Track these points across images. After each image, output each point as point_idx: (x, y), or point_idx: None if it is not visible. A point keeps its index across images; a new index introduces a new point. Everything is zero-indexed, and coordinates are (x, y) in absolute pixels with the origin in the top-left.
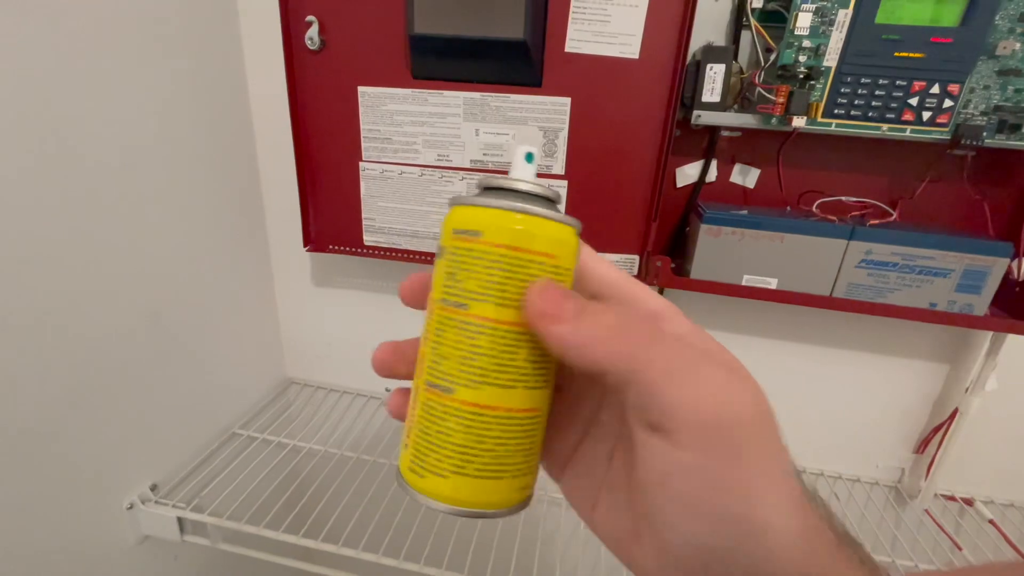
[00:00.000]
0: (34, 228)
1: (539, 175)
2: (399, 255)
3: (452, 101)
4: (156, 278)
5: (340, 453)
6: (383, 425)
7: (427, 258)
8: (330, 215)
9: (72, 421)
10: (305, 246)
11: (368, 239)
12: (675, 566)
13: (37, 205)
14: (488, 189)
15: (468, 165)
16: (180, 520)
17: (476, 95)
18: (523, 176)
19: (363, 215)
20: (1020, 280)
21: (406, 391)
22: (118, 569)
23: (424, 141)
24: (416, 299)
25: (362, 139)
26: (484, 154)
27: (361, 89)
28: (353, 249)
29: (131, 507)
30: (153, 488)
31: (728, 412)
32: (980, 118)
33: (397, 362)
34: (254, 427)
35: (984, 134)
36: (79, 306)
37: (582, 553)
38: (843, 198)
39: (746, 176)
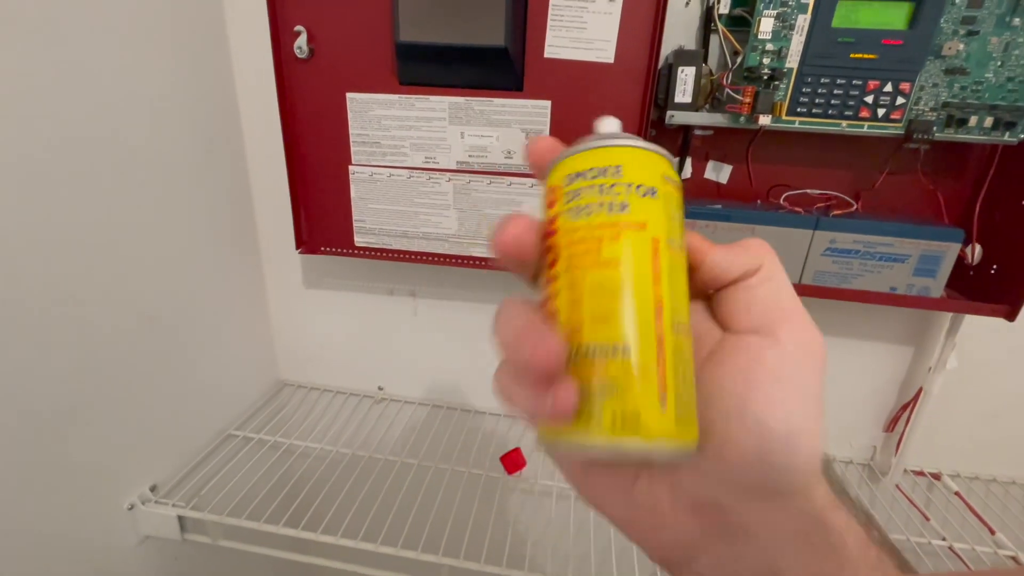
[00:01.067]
0: (29, 233)
1: (524, 176)
2: (390, 255)
3: (437, 106)
4: (152, 284)
5: (335, 450)
6: (377, 422)
7: (417, 257)
8: (321, 217)
9: (72, 424)
10: (297, 248)
11: (359, 240)
12: (705, 487)
13: (31, 212)
14: (626, 139)
15: (454, 167)
16: (180, 519)
17: (460, 99)
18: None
19: (354, 217)
20: (974, 264)
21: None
22: (119, 570)
23: (411, 144)
24: (543, 159)
25: (351, 144)
26: (469, 156)
27: (349, 95)
28: (344, 250)
29: (131, 508)
30: (153, 489)
31: (820, 341)
32: (930, 114)
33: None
34: (249, 428)
35: (934, 128)
36: (77, 311)
37: (573, 542)
38: (808, 191)
39: (719, 172)
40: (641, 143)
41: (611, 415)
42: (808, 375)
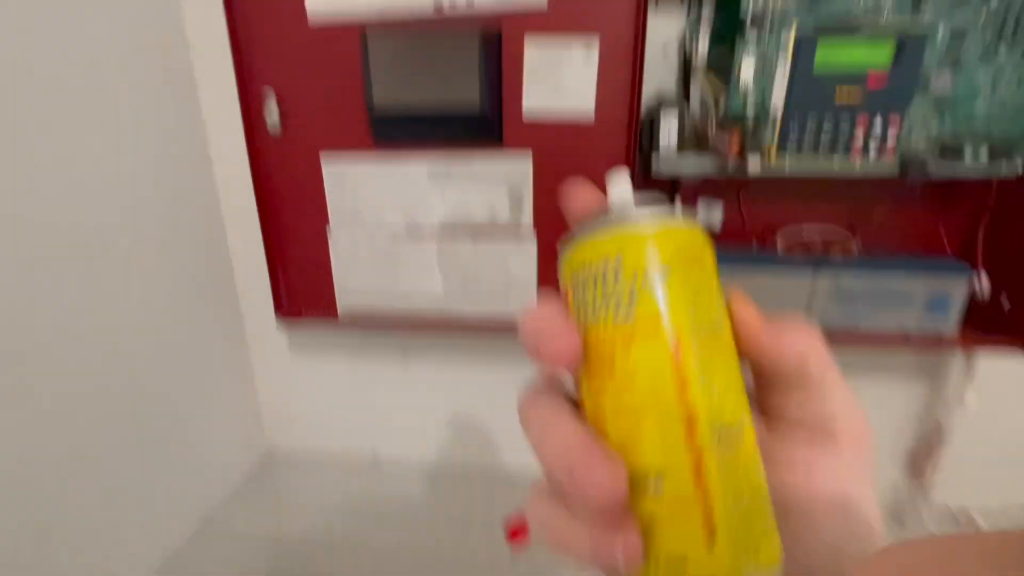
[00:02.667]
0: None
1: (507, 225)
2: (374, 324)
3: (415, 169)
4: (128, 363)
5: (329, 539)
6: (372, 498)
7: (402, 325)
8: (301, 282)
9: (25, 523)
10: (277, 315)
11: (342, 307)
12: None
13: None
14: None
15: (437, 225)
16: None
17: (439, 161)
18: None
19: (335, 280)
20: (985, 298)
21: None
22: None
23: (391, 207)
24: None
25: (328, 206)
26: (452, 215)
27: (325, 164)
28: (326, 316)
29: None
30: None
31: (869, 434)
32: (924, 147)
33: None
34: (235, 515)
35: (928, 165)
36: (45, 392)
37: None
38: (806, 226)
39: (711, 216)
40: (659, 217)
41: (663, 562)
42: (864, 482)
